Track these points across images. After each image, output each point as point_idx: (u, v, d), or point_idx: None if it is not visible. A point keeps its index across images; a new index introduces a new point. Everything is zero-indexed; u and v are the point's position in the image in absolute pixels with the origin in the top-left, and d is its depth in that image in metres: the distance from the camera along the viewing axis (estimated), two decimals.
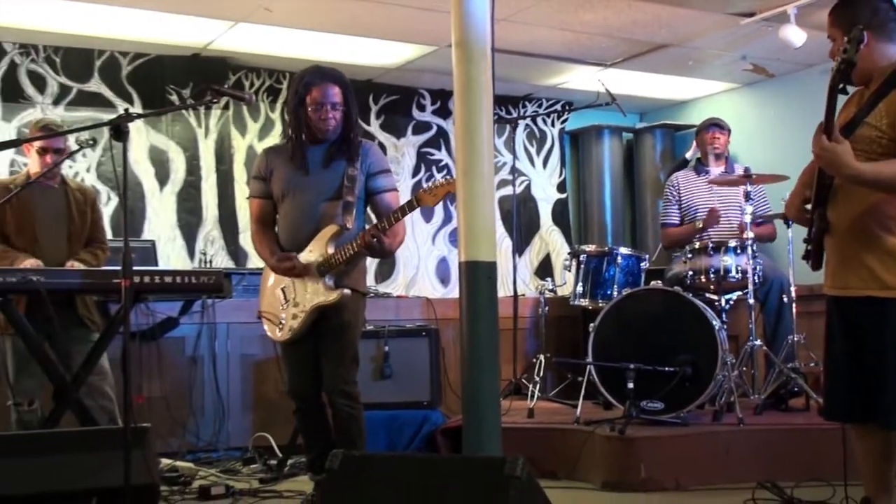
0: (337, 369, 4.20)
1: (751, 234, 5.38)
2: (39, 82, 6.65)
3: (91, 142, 4.82)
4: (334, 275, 4.18)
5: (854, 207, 3.22)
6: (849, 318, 3.28)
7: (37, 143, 4.88)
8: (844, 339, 3.31)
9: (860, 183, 3.13)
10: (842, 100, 3.47)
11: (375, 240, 4.06)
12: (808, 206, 3.43)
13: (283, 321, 4.29)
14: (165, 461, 5.24)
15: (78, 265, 4.90)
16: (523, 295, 7.27)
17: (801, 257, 3.48)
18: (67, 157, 5.24)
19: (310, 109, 4.21)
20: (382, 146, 7.62)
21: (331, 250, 4.16)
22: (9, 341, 4.82)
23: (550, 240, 8.54)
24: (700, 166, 6.43)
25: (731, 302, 5.71)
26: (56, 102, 6.66)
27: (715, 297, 5.60)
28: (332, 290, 4.16)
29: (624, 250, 5.94)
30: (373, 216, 4.50)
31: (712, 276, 5.46)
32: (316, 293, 4.18)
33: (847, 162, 3.06)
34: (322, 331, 4.23)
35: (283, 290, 4.31)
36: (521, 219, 8.21)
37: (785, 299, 5.74)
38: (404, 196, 4.84)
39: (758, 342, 5.50)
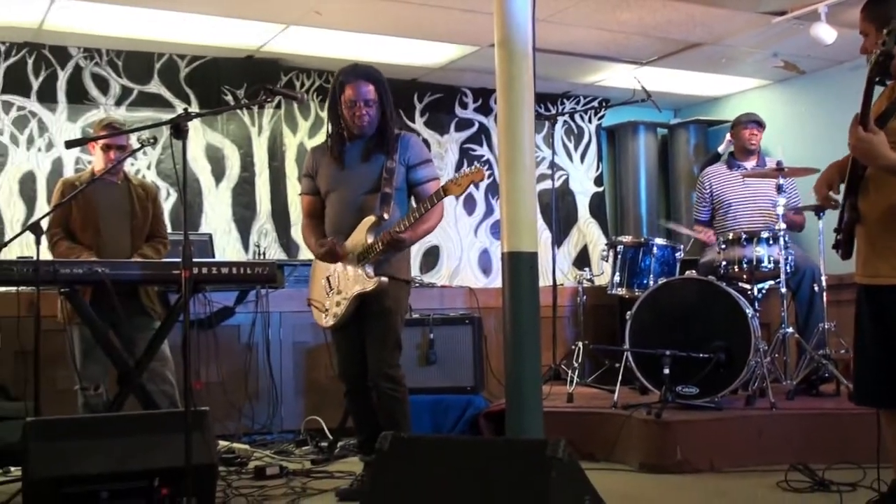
0: (380, 353, 4.25)
1: (783, 225, 5.40)
2: (102, 84, 6.82)
3: (152, 140, 4.85)
4: (374, 263, 4.23)
5: (885, 197, 3.21)
6: (879, 305, 3.26)
7: (101, 141, 4.98)
8: (874, 326, 3.29)
9: (894, 173, 3.12)
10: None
11: (398, 238, 4.13)
12: (833, 195, 3.47)
13: (328, 308, 4.37)
14: (223, 443, 5.37)
15: (139, 259, 5.00)
16: (562, 285, 7.26)
17: (831, 247, 3.43)
18: (130, 155, 5.31)
19: (344, 107, 4.29)
20: (427, 142, 7.67)
21: (370, 240, 4.22)
22: (76, 329, 4.93)
23: (588, 231, 8.62)
24: (732, 160, 6.46)
25: (764, 291, 5.72)
26: (118, 103, 6.84)
27: (748, 286, 5.62)
28: (371, 278, 4.20)
29: (659, 241, 5.99)
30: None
31: (745, 265, 5.48)
32: (356, 281, 4.24)
33: (882, 152, 3.06)
34: (365, 317, 4.28)
35: (328, 279, 4.39)
36: (559, 212, 8.29)
37: (816, 288, 5.75)
38: None
39: (790, 329, 5.52)
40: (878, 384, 3.30)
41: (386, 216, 4.23)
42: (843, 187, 3.43)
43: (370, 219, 4.25)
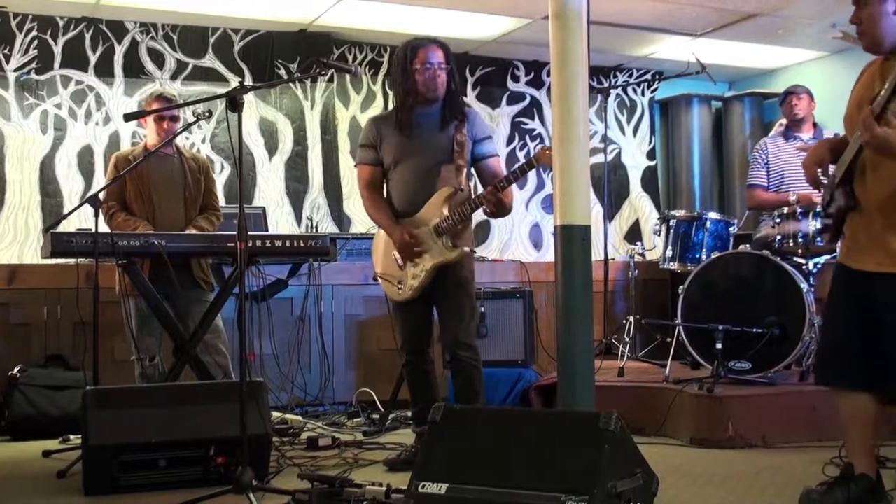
0: (460, 323, 4.26)
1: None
2: (158, 59, 6.91)
3: (207, 114, 4.97)
4: (451, 234, 4.26)
5: (883, 186, 3.16)
6: (862, 291, 3.22)
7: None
8: (851, 310, 3.27)
9: None
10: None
11: (495, 198, 4.14)
12: (821, 176, 3.39)
13: (403, 281, 4.34)
14: (276, 414, 5.41)
15: (193, 231, 5.08)
16: (613, 259, 7.31)
17: (817, 231, 3.46)
18: (186, 129, 5.37)
19: (417, 72, 4.25)
20: None
21: (446, 212, 4.23)
22: (132, 302, 5.00)
23: (639, 206, 8.58)
24: (789, 131, 6.40)
25: (820, 265, 5.60)
26: (173, 77, 6.91)
27: (802, 261, 5.52)
28: (452, 249, 4.24)
29: (713, 215, 5.95)
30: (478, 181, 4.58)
31: (800, 239, 5.37)
32: (435, 253, 4.25)
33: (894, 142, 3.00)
34: (442, 288, 4.30)
35: (394, 252, 4.38)
36: (611, 185, 8.24)
37: None
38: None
39: None
40: (841, 366, 3.30)
41: (463, 187, 4.25)
42: (832, 169, 3.38)
43: (448, 189, 4.26)
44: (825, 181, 3.42)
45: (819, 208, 3.56)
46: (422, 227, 4.30)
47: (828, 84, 7.45)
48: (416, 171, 4.33)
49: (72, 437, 5.06)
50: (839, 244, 3.53)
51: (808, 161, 3.45)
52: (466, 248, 4.28)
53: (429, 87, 4.28)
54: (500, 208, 4.24)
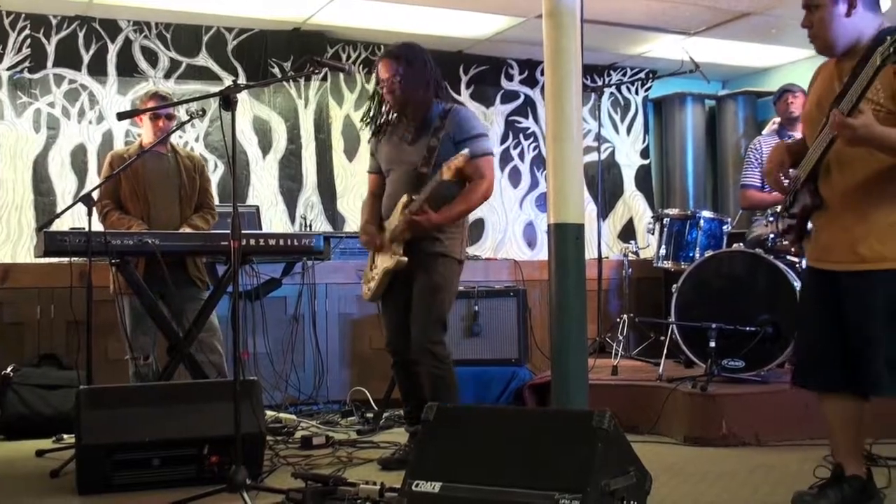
0: (422, 329, 4.19)
1: None
2: (152, 57, 6.90)
3: (201, 112, 4.94)
4: (402, 242, 4.20)
5: (848, 182, 3.14)
6: (833, 290, 3.21)
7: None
8: (823, 312, 3.26)
9: (891, 150, 3.01)
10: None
11: (410, 220, 4.11)
12: (783, 178, 3.37)
13: (367, 282, 4.41)
14: (270, 413, 5.35)
15: (189, 230, 5.07)
16: (607, 257, 7.30)
17: (778, 233, 3.44)
18: (179, 128, 5.37)
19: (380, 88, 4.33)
20: None
21: (396, 220, 4.22)
22: (126, 300, 4.98)
23: (633, 204, 8.59)
24: (783, 130, 6.40)
25: None
26: (167, 76, 6.91)
27: (796, 260, 5.50)
28: (393, 256, 4.21)
29: (707, 214, 5.96)
30: None
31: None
32: (386, 259, 4.27)
33: (882, 132, 2.95)
34: (414, 293, 4.24)
35: (373, 254, 4.42)
36: (605, 184, 8.26)
37: None
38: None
39: None
40: (818, 368, 3.29)
41: (414, 196, 4.16)
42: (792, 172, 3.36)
43: (405, 197, 4.21)
44: (787, 183, 3.39)
45: (780, 208, 3.53)
46: (386, 233, 4.33)
47: None
48: (395, 180, 4.34)
49: (65, 436, 5.04)
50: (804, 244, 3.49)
51: (769, 165, 3.43)
52: (404, 259, 4.19)
53: (390, 101, 4.31)
54: (412, 228, 4.17)
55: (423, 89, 4.28)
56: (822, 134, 3.16)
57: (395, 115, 4.38)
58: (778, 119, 6.45)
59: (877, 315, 3.11)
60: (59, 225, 5.05)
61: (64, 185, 6.64)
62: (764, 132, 6.77)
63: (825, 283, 3.26)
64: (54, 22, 6.66)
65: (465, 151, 4.10)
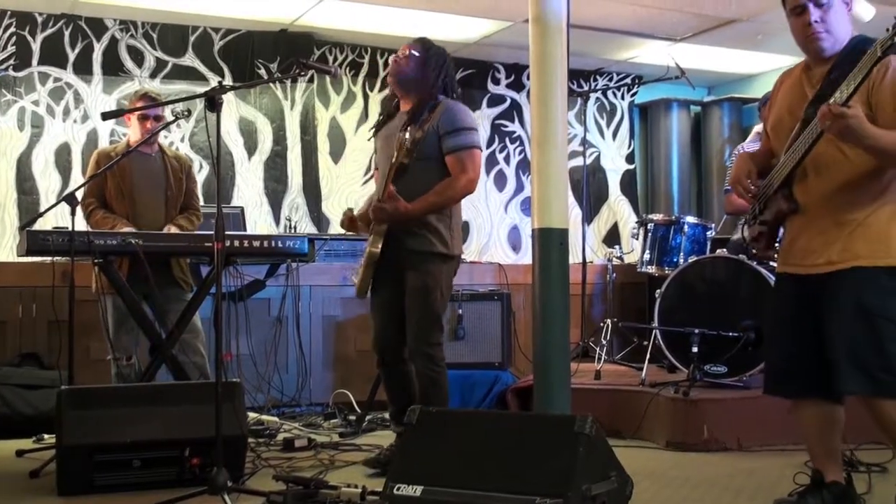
0: (417, 331, 4.14)
1: None
2: (138, 57, 6.88)
3: (186, 113, 4.91)
4: (379, 233, 4.14)
5: (826, 185, 3.14)
6: (808, 293, 3.19)
7: (138, 111, 5.03)
8: (798, 315, 3.24)
9: (876, 149, 2.97)
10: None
11: (377, 208, 4.06)
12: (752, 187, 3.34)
13: (355, 274, 4.36)
14: (252, 415, 5.37)
15: (174, 230, 5.05)
16: (591, 262, 7.32)
17: (746, 242, 3.40)
18: (164, 128, 5.34)
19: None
20: None
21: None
22: (109, 300, 4.96)
23: (618, 209, 8.60)
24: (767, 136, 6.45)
25: None
26: (153, 76, 6.89)
27: None
28: (371, 247, 4.16)
29: (690, 219, 5.98)
30: None
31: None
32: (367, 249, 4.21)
33: (870, 130, 2.91)
34: (406, 293, 4.17)
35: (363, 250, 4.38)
36: (590, 188, 8.26)
37: None
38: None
39: None
40: (791, 375, 3.28)
41: (391, 186, 4.07)
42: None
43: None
44: (754, 190, 3.37)
45: (748, 216, 3.53)
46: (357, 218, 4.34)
47: None
48: (381, 172, 4.28)
49: (46, 436, 5.01)
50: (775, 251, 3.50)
51: (736, 177, 3.41)
52: (376, 250, 4.13)
53: (393, 79, 4.29)
54: (378, 217, 4.11)
55: (429, 78, 4.23)
56: (803, 136, 3.14)
57: (395, 102, 4.34)
58: (762, 126, 6.46)
59: (847, 312, 3.10)
60: (43, 224, 5.03)
61: (47, 183, 6.61)
62: (748, 139, 6.80)
63: (800, 287, 3.24)
64: (40, 19, 6.63)
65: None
